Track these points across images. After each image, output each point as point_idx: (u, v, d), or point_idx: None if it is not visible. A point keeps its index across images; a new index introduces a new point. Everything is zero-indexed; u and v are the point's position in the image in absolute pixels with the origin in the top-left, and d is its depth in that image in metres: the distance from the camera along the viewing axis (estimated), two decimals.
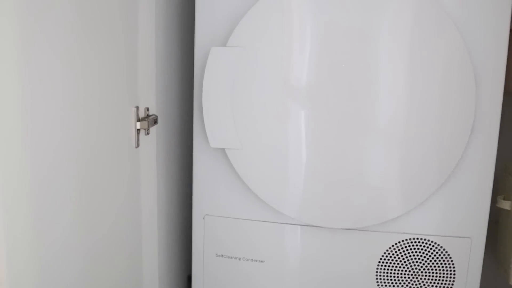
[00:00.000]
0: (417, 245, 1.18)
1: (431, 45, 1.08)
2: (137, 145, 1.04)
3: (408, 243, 1.18)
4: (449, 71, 1.08)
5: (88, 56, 0.84)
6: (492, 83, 1.10)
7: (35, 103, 0.71)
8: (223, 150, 1.20)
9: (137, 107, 1.04)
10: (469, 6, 1.07)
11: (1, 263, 0.67)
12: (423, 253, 1.18)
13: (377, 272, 1.20)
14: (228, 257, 1.26)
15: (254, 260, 1.25)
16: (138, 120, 1.04)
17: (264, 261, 1.24)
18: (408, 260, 1.18)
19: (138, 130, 1.05)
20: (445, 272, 1.18)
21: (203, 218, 1.26)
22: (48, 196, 0.76)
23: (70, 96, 0.80)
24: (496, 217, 1.40)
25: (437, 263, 1.18)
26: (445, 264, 1.17)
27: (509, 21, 1.07)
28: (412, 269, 1.19)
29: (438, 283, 1.18)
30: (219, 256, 1.26)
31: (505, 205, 1.32)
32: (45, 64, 0.72)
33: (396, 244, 1.18)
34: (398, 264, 1.19)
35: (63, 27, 0.77)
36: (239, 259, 1.25)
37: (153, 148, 1.12)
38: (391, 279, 1.20)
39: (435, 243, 1.17)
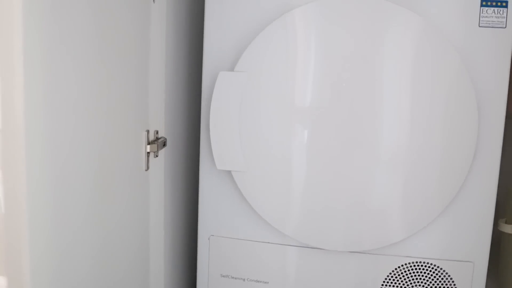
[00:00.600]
0: (420, 269, 1.19)
1: (434, 71, 1.11)
2: (147, 168, 1.07)
3: (410, 266, 1.19)
4: (451, 96, 1.11)
5: (105, 82, 0.88)
6: (494, 108, 1.12)
7: (59, 126, 0.75)
8: (228, 172, 1.22)
9: (148, 131, 1.06)
10: (471, 34, 1.10)
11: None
12: (426, 277, 1.19)
13: None
14: (233, 277, 1.27)
15: (259, 281, 1.26)
16: (148, 143, 1.07)
17: (268, 282, 1.26)
18: (410, 283, 1.20)
19: (148, 153, 1.07)
20: None
21: (208, 239, 1.28)
22: (66, 216, 0.79)
23: (89, 120, 0.83)
24: (498, 239, 1.41)
25: (439, 287, 1.19)
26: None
27: (510, 47, 1.10)
28: None
29: None
30: (223, 276, 1.28)
31: (507, 228, 1.33)
32: (68, 89, 0.76)
33: (399, 267, 1.19)
34: (401, 287, 1.20)
35: (85, 58, 0.81)
36: (244, 279, 1.27)
37: (161, 170, 1.14)
38: None
39: (438, 267, 1.18)
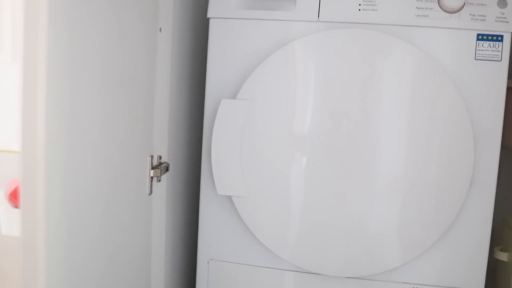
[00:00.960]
0: None
1: (430, 102, 1.14)
2: (150, 192, 1.09)
3: None
4: (448, 127, 1.14)
5: (115, 108, 0.91)
6: (489, 138, 1.15)
7: (74, 152, 0.78)
8: (229, 197, 1.24)
9: (152, 156, 1.09)
10: (467, 66, 1.14)
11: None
12: None
13: None
14: None
15: None
16: (152, 168, 1.09)
17: None
18: None
19: (152, 177, 1.09)
20: None
21: (208, 263, 1.29)
22: (79, 235, 0.81)
23: (101, 145, 0.86)
24: (494, 267, 1.43)
25: None
26: None
27: (505, 80, 1.14)
28: None
29: None
30: None
31: (502, 256, 1.35)
32: (84, 117, 0.80)
33: None
34: None
35: (97, 85, 0.84)
36: None
37: (164, 194, 1.17)
38: None
39: None
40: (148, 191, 1.08)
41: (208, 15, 1.23)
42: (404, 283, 1.21)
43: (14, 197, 1.65)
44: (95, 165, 0.85)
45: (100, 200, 0.89)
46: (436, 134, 1.14)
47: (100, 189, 0.88)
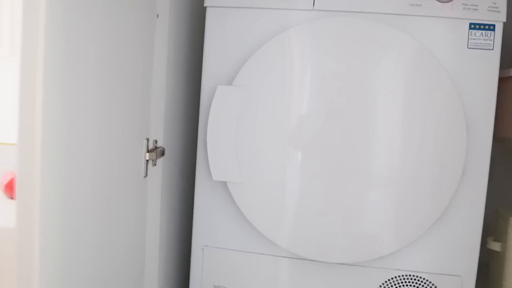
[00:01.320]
0: (409, 282, 1.21)
1: (426, 93, 1.15)
2: (146, 174, 1.10)
3: (400, 279, 1.21)
4: (441, 116, 1.15)
5: (113, 90, 0.92)
6: (482, 128, 1.17)
7: (70, 130, 0.79)
8: (224, 183, 1.25)
9: (148, 139, 1.10)
10: (460, 55, 1.16)
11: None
12: None
13: None
14: None
15: None
16: (148, 151, 1.10)
17: None
18: None
19: (147, 160, 1.10)
20: None
21: (202, 249, 1.30)
22: (72, 215, 0.82)
23: (96, 124, 0.87)
24: (487, 260, 1.44)
25: None
26: None
27: (497, 67, 1.16)
28: None
29: None
30: (216, 287, 1.29)
31: (495, 246, 1.36)
32: (80, 95, 0.80)
33: (389, 280, 1.22)
34: None
35: (95, 67, 0.85)
36: None
37: (159, 178, 1.17)
38: None
39: (427, 280, 1.21)
40: (143, 174, 1.09)
41: (205, 4, 1.25)
42: (398, 270, 1.22)
43: (9, 188, 1.66)
44: (91, 151, 0.86)
45: (96, 186, 0.90)
46: (430, 123, 1.16)
47: (96, 176, 0.89)
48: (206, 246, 1.30)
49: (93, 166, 0.88)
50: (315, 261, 1.23)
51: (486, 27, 1.15)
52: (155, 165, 1.14)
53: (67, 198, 0.80)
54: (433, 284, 1.21)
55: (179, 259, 1.42)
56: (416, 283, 1.21)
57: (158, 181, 1.17)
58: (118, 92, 0.95)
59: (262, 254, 1.27)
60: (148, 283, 1.20)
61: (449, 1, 1.15)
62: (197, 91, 1.39)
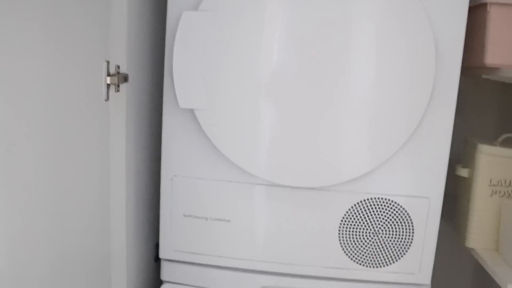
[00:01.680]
0: (378, 204, 1.23)
1: (397, 20, 1.13)
2: (107, 98, 1.06)
3: (369, 202, 1.23)
4: (412, 44, 1.13)
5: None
6: (451, 57, 1.16)
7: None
8: (192, 111, 1.23)
9: (108, 62, 1.06)
10: None
11: None
12: (384, 212, 1.23)
13: (339, 229, 1.24)
14: (196, 217, 1.29)
15: (221, 220, 1.28)
16: (109, 75, 1.06)
17: (230, 221, 1.27)
18: (369, 218, 1.23)
19: (108, 85, 1.06)
20: (404, 230, 1.23)
21: (171, 179, 1.29)
22: (20, 145, 0.78)
23: (43, 42, 0.82)
24: (456, 191, 1.46)
25: (397, 222, 1.23)
26: (404, 223, 1.23)
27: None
28: (373, 227, 1.24)
29: (397, 241, 1.24)
30: (186, 216, 1.29)
31: (463, 172, 1.38)
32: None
33: (358, 203, 1.23)
34: (360, 222, 1.24)
35: None
36: (206, 219, 1.28)
37: (123, 105, 1.14)
38: (353, 237, 1.24)
39: (395, 202, 1.22)
40: (104, 97, 1.06)
41: None
42: (367, 193, 1.22)
43: None
44: (40, 77, 0.81)
45: (52, 108, 0.86)
46: (401, 48, 1.14)
47: (49, 96, 0.85)
48: (176, 176, 1.28)
49: (46, 86, 0.84)
50: (285, 186, 1.23)
51: None
52: (118, 91, 1.11)
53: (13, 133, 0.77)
54: (401, 206, 1.22)
55: (148, 190, 1.40)
56: (385, 205, 1.22)
57: (121, 107, 1.14)
58: (70, 8, 0.90)
59: (231, 181, 1.26)
60: (115, 215, 1.19)
61: None
62: (163, 16, 1.34)
